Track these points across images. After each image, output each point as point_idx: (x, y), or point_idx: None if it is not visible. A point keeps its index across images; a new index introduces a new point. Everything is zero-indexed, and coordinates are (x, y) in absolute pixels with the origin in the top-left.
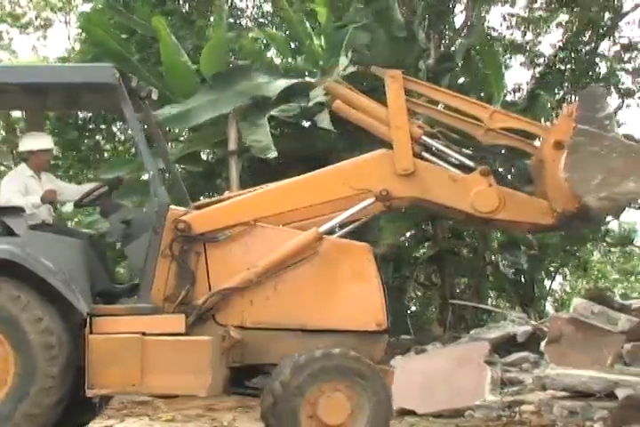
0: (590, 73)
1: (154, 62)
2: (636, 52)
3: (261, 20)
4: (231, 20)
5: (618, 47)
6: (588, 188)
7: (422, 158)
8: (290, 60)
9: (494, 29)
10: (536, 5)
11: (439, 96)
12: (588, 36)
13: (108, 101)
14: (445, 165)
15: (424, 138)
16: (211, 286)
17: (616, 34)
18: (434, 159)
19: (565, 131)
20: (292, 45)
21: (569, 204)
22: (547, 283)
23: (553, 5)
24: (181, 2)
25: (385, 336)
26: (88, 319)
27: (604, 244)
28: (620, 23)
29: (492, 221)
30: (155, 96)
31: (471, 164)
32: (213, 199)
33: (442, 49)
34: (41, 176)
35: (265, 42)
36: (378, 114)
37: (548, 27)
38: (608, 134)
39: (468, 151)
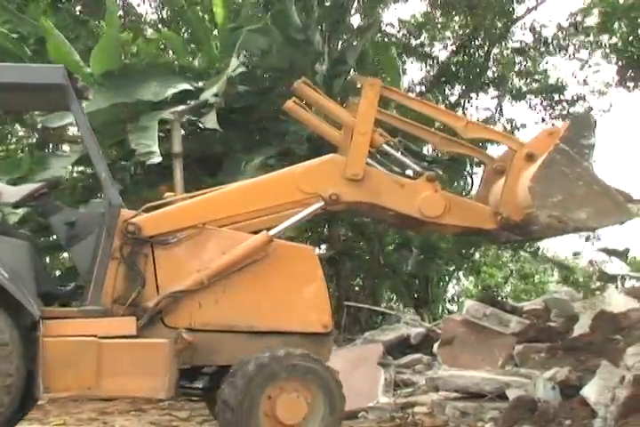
0: (483, 76)
1: (47, 62)
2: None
3: (160, 26)
4: (129, 25)
5: (510, 51)
6: (545, 202)
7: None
8: (189, 60)
9: (392, 25)
10: (430, 9)
11: (415, 105)
12: (480, 39)
13: (52, 102)
14: (386, 171)
15: (384, 146)
16: (158, 289)
17: (508, 38)
18: (376, 166)
19: (541, 146)
20: (191, 47)
21: (518, 213)
22: (441, 285)
23: (447, 9)
24: (73, 2)
25: (331, 338)
26: (40, 322)
27: (497, 249)
28: (512, 28)
29: (433, 225)
30: (91, 96)
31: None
32: (161, 202)
33: (338, 51)
34: None
35: (163, 44)
36: (342, 118)
37: (443, 30)
38: (583, 162)
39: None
